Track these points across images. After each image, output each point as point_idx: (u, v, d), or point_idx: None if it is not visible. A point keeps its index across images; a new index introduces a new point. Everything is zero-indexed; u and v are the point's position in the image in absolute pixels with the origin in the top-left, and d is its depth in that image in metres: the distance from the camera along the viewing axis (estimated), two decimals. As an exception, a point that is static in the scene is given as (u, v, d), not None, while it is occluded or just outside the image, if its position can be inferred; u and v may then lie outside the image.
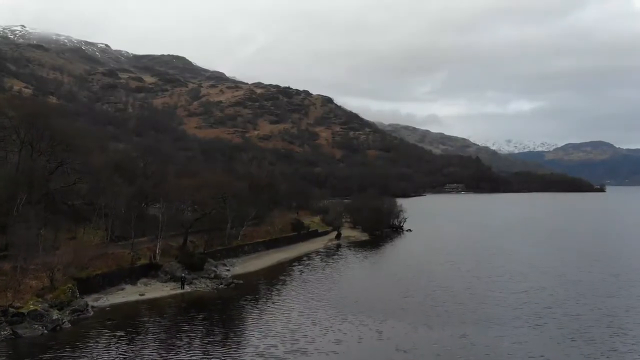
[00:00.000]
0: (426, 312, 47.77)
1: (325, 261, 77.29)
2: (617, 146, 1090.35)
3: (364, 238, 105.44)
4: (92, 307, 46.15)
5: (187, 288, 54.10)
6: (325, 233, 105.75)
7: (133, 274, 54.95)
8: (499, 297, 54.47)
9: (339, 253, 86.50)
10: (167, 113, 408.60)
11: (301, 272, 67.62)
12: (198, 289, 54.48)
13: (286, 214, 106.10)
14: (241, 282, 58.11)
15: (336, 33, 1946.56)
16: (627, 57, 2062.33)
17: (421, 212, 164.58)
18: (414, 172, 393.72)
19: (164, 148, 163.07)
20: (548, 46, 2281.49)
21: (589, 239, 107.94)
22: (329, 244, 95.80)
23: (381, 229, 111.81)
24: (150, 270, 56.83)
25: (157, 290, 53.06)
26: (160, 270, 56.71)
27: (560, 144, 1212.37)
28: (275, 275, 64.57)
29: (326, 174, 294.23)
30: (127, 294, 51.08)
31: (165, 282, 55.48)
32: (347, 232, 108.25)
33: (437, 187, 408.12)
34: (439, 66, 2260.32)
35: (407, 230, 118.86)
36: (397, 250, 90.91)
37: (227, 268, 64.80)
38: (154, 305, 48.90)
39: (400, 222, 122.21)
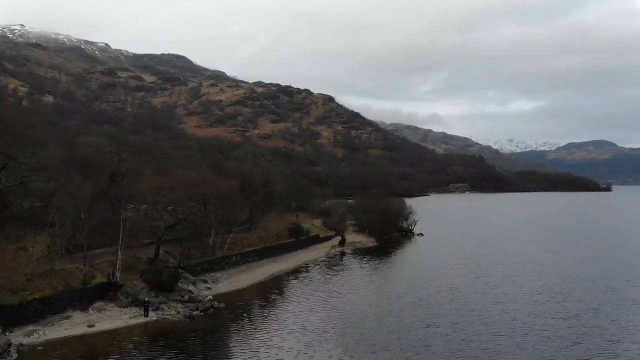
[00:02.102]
0: (460, 352, 36.26)
1: (327, 274, 65.83)
2: (620, 145, 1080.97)
3: (371, 244, 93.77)
4: (20, 345, 34.95)
5: (152, 315, 42.71)
6: (328, 238, 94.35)
7: (85, 297, 43.56)
8: (548, 325, 42.93)
9: (343, 263, 75.03)
10: (166, 112, 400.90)
11: (298, 289, 56.00)
12: (166, 316, 43.02)
13: (283, 216, 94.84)
14: (222, 305, 46.53)
15: (337, 33, 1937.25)
16: (628, 56, 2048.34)
17: (429, 213, 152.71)
18: (417, 172, 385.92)
19: (152, 145, 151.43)
20: (549, 45, 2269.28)
21: (621, 245, 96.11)
22: (332, 251, 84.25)
23: (390, 233, 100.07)
24: (108, 291, 45.48)
25: (113, 318, 41.63)
26: (121, 291, 45.30)
27: (562, 143, 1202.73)
28: (267, 294, 52.99)
29: (327, 173, 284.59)
30: (73, 325, 39.68)
31: (126, 306, 44.06)
32: (352, 237, 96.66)
33: (441, 186, 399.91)
34: (440, 65, 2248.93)
35: (418, 235, 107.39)
36: (410, 260, 79.02)
37: (208, 285, 53.27)
38: (104, 341, 37.51)
39: (410, 225, 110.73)
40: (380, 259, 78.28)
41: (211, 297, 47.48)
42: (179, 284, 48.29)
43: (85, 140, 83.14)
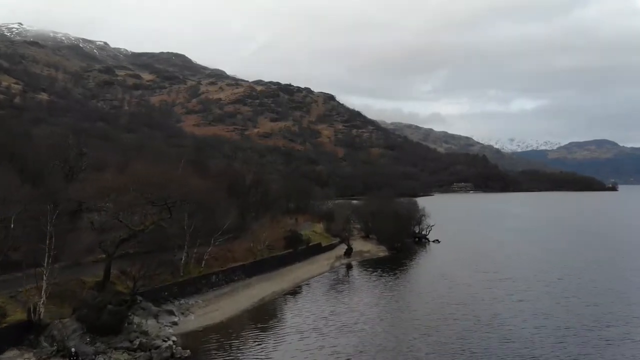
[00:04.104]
0: None
1: (331, 296, 52.70)
2: (621, 144, 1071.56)
3: (381, 254, 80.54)
4: None
5: (83, 373, 29.81)
6: (331, 247, 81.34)
7: (-10, 345, 30.67)
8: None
9: (350, 280, 62.03)
10: (164, 110, 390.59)
11: (294, 323, 42.50)
12: (102, 374, 30.10)
13: (280, 220, 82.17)
14: (187, 353, 33.48)
15: (337, 32, 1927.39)
16: (629, 55, 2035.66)
17: (437, 214, 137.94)
18: (420, 171, 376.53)
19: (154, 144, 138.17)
20: (550, 44, 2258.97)
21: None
22: (336, 263, 71.12)
23: (402, 240, 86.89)
24: (28, 334, 32.50)
25: (23, 379, 28.75)
26: (45, 334, 32.33)
27: (564, 142, 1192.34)
28: (252, 332, 39.60)
29: (328, 172, 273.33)
30: (-42, 393, 26.85)
31: (49, 357, 31.12)
32: (359, 245, 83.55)
33: (444, 186, 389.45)
34: (441, 64, 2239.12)
35: (433, 241, 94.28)
36: (431, 275, 64.94)
37: (175, 319, 40.12)
38: None
39: (424, 231, 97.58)
40: (395, 274, 64.95)
41: (174, 340, 34.48)
42: (135, 318, 35.36)
43: (40, 131, 70.18)
